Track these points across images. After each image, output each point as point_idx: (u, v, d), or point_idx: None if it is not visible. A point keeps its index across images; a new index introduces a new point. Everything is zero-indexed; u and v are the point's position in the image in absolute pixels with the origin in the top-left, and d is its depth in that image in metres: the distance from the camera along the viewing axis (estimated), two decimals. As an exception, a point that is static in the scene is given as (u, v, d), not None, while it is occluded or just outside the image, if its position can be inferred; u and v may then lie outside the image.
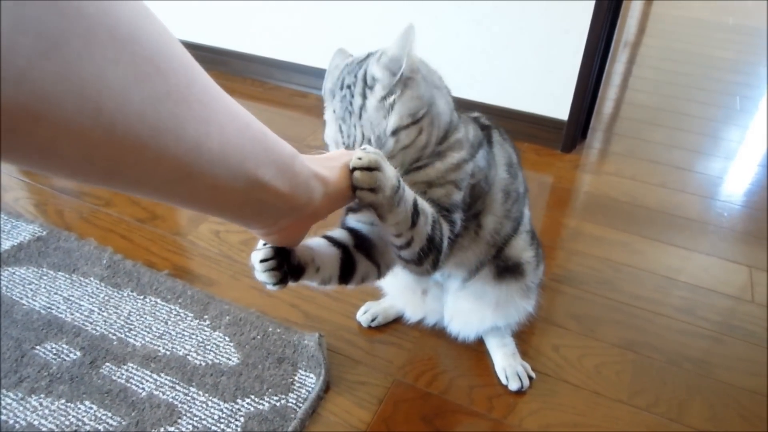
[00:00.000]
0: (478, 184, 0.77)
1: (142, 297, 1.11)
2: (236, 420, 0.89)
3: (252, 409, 0.90)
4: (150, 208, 1.40)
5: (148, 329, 1.04)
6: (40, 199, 1.42)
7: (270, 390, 0.93)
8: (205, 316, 1.07)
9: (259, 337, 1.03)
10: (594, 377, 1.01)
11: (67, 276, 1.15)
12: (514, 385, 0.96)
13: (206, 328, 1.05)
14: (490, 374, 1.00)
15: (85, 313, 1.07)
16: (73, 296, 1.10)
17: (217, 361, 0.98)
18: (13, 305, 1.07)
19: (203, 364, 0.98)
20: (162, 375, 0.95)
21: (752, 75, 2.77)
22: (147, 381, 0.94)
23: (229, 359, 0.99)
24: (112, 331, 1.03)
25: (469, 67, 1.82)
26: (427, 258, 0.70)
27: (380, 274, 0.79)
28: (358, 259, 0.76)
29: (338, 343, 1.05)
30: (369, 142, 0.69)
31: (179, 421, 0.88)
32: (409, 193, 0.63)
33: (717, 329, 1.13)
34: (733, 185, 1.72)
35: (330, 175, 0.55)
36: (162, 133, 0.35)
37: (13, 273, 1.15)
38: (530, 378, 0.98)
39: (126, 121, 0.32)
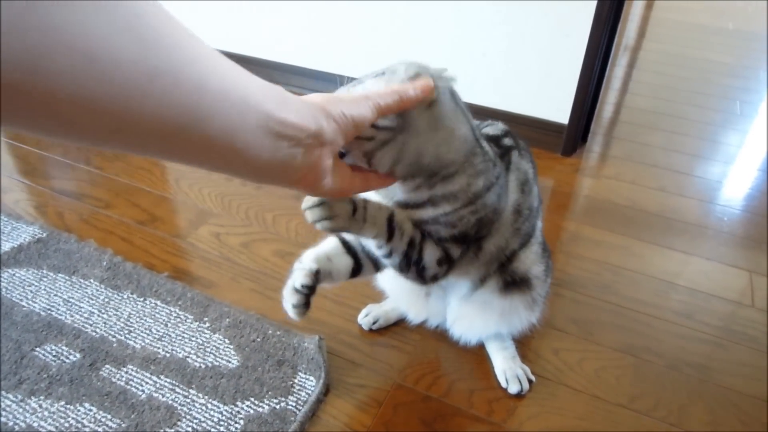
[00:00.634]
0: (485, 216, 0.77)
1: (142, 299, 1.11)
2: (236, 422, 0.88)
3: (252, 411, 0.90)
4: (150, 210, 1.40)
5: (147, 331, 1.04)
6: (40, 200, 1.42)
7: (270, 393, 0.93)
8: (205, 319, 1.07)
9: (259, 339, 1.03)
10: (594, 381, 1.01)
11: (67, 278, 1.15)
12: (514, 389, 0.96)
13: (206, 331, 1.05)
14: (490, 378, 1.00)
15: (85, 315, 1.06)
16: (73, 298, 1.10)
17: (217, 363, 0.98)
18: (13, 307, 1.07)
19: (203, 366, 0.98)
20: (162, 377, 0.95)
21: (752, 79, 2.77)
22: (147, 383, 0.94)
23: (229, 362, 0.99)
24: (112, 333, 1.03)
25: (470, 70, 1.82)
26: (410, 269, 0.76)
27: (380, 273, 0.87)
28: (364, 264, 0.85)
29: (338, 345, 1.05)
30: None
31: (179, 423, 0.88)
32: (380, 214, 0.70)
33: (717, 334, 1.13)
34: (733, 189, 1.72)
35: (320, 102, 0.53)
36: (160, 77, 0.35)
37: (13, 275, 1.15)
38: (530, 381, 0.98)
39: (121, 68, 0.32)
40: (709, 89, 2.55)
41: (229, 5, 2.14)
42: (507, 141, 0.84)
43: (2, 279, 1.14)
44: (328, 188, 0.56)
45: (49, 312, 1.07)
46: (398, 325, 1.09)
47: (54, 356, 0.98)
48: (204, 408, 0.91)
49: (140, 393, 0.92)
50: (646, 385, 1.01)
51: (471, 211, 0.74)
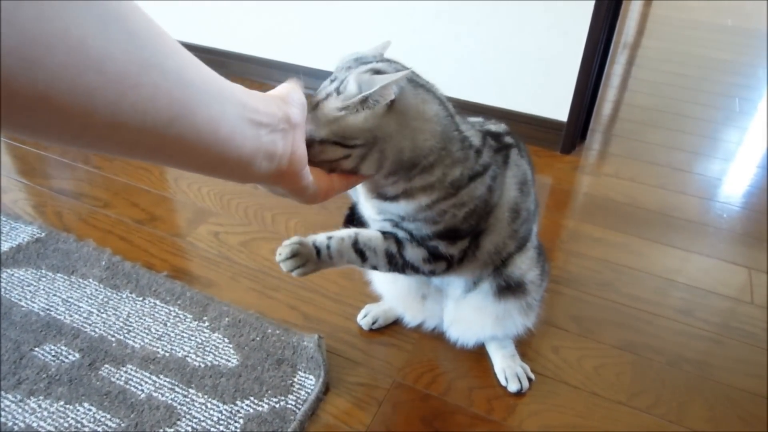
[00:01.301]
0: (476, 208, 0.76)
1: (141, 298, 1.11)
2: (235, 422, 0.88)
3: (251, 410, 0.90)
4: (149, 210, 1.40)
5: (147, 331, 1.04)
6: (39, 200, 1.42)
7: (269, 391, 0.93)
8: (205, 318, 1.07)
9: (258, 338, 1.03)
10: (593, 378, 1.01)
11: (65, 277, 1.15)
12: (513, 387, 0.96)
13: (205, 330, 1.05)
14: (489, 376, 1.00)
15: (84, 315, 1.06)
16: (71, 298, 1.10)
17: (217, 362, 0.98)
18: (12, 307, 1.07)
19: (202, 365, 0.98)
20: (161, 376, 0.95)
21: (751, 76, 2.77)
22: (146, 382, 0.94)
23: (229, 361, 0.99)
24: (111, 332, 1.03)
25: (468, 68, 1.82)
26: (405, 271, 0.80)
27: None
28: None
29: (338, 344, 1.05)
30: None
31: (178, 422, 0.88)
32: (344, 245, 0.76)
33: (716, 331, 1.13)
34: (733, 187, 1.72)
35: (271, 93, 0.55)
36: (149, 69, 0.35)
37: (12, 275, 1.15)
38: (530, 380, 0.98)
39: (114, 59, 0.33)
40: (708, 86, 2.55)
41: (227, 6, 2.13)
42: (508, 139, 0.84)
43: (1, 279, 1.13)
44: (312, 190, 0.59)
45: (48, 312, 1.07)
46: (397, 323, 1.09)
47: (53, 356, 0.98)
48: (203, 407, 0.90)
49: (140, 392, 0.92)
50: (645, 383, 1.01)
51: (454, 204, 0.73)
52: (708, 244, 1.41)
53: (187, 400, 0.92)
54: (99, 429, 0.87)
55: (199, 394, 0.92)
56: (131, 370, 0.96)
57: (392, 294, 1.01)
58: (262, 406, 0.91)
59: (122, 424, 0.87)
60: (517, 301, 0.90)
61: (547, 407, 0.96)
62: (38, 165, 1.58)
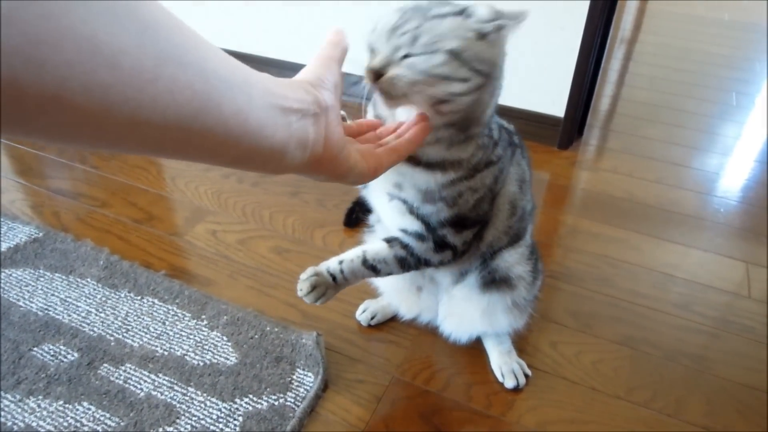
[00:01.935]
0: (483, 197, 0.76)
1: (139, 297, 1.11)
2: (235, 419, 0.89)
3: (250, 408, 0.90)
4: (146, 209, 1.40)
5: (145, 330, 1.04)
6: (37, 200, 1.42)
7: (268, 389, 0.93)
8: (203, 316, 1.07)
9: (257, 336, 1.03)
10: (591, 373, 1.01)
11: (64, 277, 1.15)
12: (510, 383, 0.97)
13: (204, 328, 1.05)
14: (488, 372, 1.00)
15: (83, 314, 1.06)
16: (70, 297, 1.10)
17: (215, 360, 0.98)
18: (10, 307, 1.07)
19: (201, 364, 0.98)
20: (160, 375, 0.95)
21: (748, 71, 2.77)
22: (145, 381, 0.94)
23: (227, 359, 0.99)
24: (110, 332, 1.03)
25: (465, 64, 1.81)
26: (419, 267, 0.82)
27: None
28: None
29: (336, 341, 1.05)
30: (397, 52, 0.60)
31: (178, 421, 0.88)
32: (355, 265, 0.79)
33: (714, 325, 1.13)
34: (730, 181, 1.72)
35: (296, 78, 0.52)
36: (166, 62, 0.34)
37: (10, 275, 1.15)
38: (526, 376, 0.98)
39: (127, 54, 0.32)
40: (705, 81, 2.55)
41: (225, 5, 2.13)
42: (516, 139, 0.85)
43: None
44: (358, 170, 0.55)
45: (46, 312, 1.07)
46: (395, 320, 1.09)
47: (52, 356, 0.98)
48: (203, 405, 0.91)
49: (139, 391, 0.92)
50: (643, 377, 1.01)
51: (469, 188, 0.73)
52: (706, 239, 1.41)
53: (186, 398, 0.92)
54: (98, 428, 0.87)
55: (198, 393, 0.93)
56: (130, 369, 0.96)
57: (389, 286, 1.01)
58: (261, 404, 0.91)
59: (121, 423, 0.87)
60: (502, 297, 0.90)
61: (545, 402, 0.96)
62: (35, 165, 1.58)
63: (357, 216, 1.34)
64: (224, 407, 0.90)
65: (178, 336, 1.03)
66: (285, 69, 2.14)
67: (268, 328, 1.04)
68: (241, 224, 1.36)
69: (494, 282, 0.89)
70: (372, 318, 1.08)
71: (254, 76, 0.43)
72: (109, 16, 0.31)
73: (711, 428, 0.93)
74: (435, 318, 1.01)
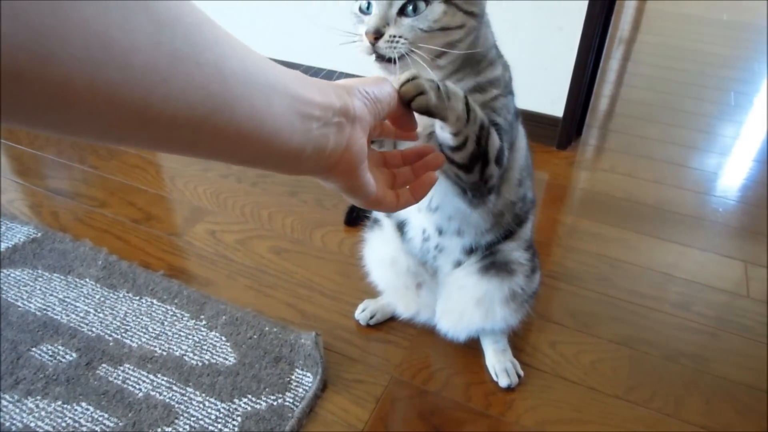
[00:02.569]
0: (511, 124, 0.77)
1: (138, 298, 1.11)
2: (233, 420, 0.89)
3: (249, 408, 0.90)
4: (145, 209, 1.40)
5: (144, 330, 1.04)
6: (35, 200, 1.42)
7: (267, 389, 0.93)
8: (202, 316, 1.07)
9: (255, 336, 1.03)
10: (590, 373, 1.01)
11: (62, 277, 1.15)
12: (503, 382, 0.97)
13: (203, 328, 1.05)
14: (486, 371, 1.00)
15: (81, 315, 1.06)
16: (68, 298, 1.10)
17: (214, 361, 0.98)
18: (9, 307, 1.07)
19: (200, 364, 0.98)
20: (159, 375, 0.95)
21: (746, 70, 2.78)
22: (144, 382, 0.94)
23: (226, 359, 0.99)
24: (108, 332, 1.03)
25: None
26: (476, 164, 0.70)
27: None
28: None
29: (335, 341, 1.05)
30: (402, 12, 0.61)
31: (176, 421, 0.88)
32: (456, 88, 0.63)
33: (713, 324, 1.13)
34: (729, 181, 1.73)
35: (337, 82, 0.51)
36: (181, 61, 0.33)
37: (8, 275, 1.15)
38: (519, 376, 0.98)
39: (139, 51, 0.31)
40: (703, 81, 2.55)
41: (224, 6, 2.13)
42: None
43: (-3, 279, 1.13)
44: (368, 186, 0.53)
45: (44, 312, 1.07)
46: (394, 320, 1.09)
47: (50, 356, 0.98)
48: (201, 406, 0.91)
49: (137, 392, 0.92)
50: (642, 377, 1.01)
51: (505, 106, 0.74)
52: (704, 239, 1.41)
53: (185, 398, 0.92)
54: (97, 428, 0.87)
55: (197, 393, 0.92)
56: (129, 369, 0.96)
57: (388, 282, 1.00)
58: (260, 404, 0.91)
59: (120, 424, 0.87)
60: (500, 284, 0.89)
61: (544, 402, 0.96)
62: (34, 165, 1.58)
63: (357, 215, 1.34)
64: (223, 407, 0.90)
65: (176, 336, 1.03)
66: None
67: (266, 328, 1.04)
68: (239, 224, 1.36)
69: (494, 266, 0.89)
70: (371, 317, 1.08)
71: (279, 77, 0.42)
72: (123, 13, 0.30)
73: (710, 428, 0.93)
74: (433, 317, 1.00)
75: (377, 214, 0.98)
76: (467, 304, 0.92)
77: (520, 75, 1.87)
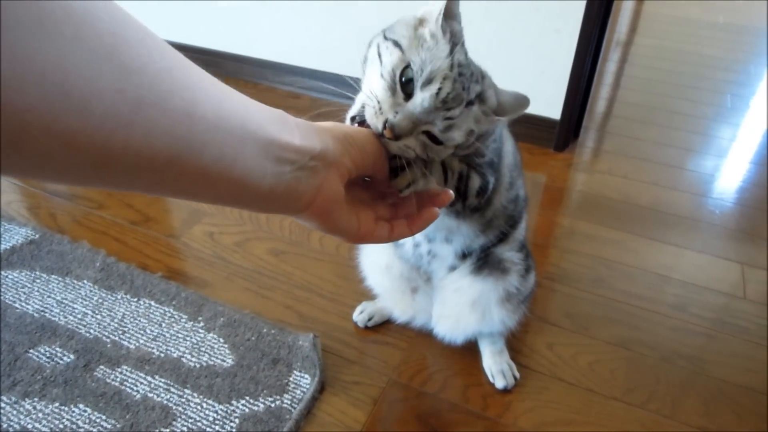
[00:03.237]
0: (497, 148, 0.77)
1: (135, 299, 1.11)
2: (231, 421, 0.88)
3: (247, 410, 0.90)
4: (143, 211, 1.40)
5: (142, 332, 1.04)
6: (33, 202, 1.42)
7: (265, 391, 0.93)
8: (200, 318, 1.07)
9: (253, 338, 1.03)
10: (588, 375, 1.01)
11: (60, 279, 1.15)
12: (500, 384, 0.97)
13: (200, 330, 1.05)
14: (484, 373, 1.00)
15: (79, 316, 1.06)
16: (66, 299, 1.10)
17: (212, 362, 0.98)
18: (7, 309, 1.07)
19: (198, 366, 0.98)
20: (156, 377, 0.95)
21: (743, 73, 2.79)
22: (141, 383, 0.94)
23: (224, 361, 0.99)
24: (106, 333, 1.03)
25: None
26: (456, 202, 0.73)
27: None
28: None
29: (333, 343, 1.05)
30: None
31: (174, 423, 0.88)
32: (436, 162, 0.63)
33: (710, 326, 1.14)
34: (725, 183, 1.73)
35: (324, 125, 0.50)
36: (145, 107, 0.32)
37: (6, 276, 1.14)
38: (516, 378, 0.98)
39: (101, 99, 0.30)
40: (700, 83, 2.56)
41: (221, 7, 2.13)
42: None
43: (-5, 281, 1.13)
44: (346, 226, 0.52)
45: (42, 314, 1.06)
46: (392, 322, 1.09)
47: (48, 358, 0.98)
48: (199, 407, 0.91)
49: (135, 393, 0.92)
50: (639, 378, 1.01)
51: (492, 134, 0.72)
52: (701, 240, 1.42)
53: (183, 400, 0.92)
54: (94, 430, 0.86)
55: (195, 395, 0.92)
56: (126, 371, 0.96)
57: (384, 287, 1.01)
58: (258, 406, 0.91)
59: (117, 425, 0.87)
60: (495, 285, 0.89)
61: (542, 404, 0.96)
62: (31, 167, 1.58)
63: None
64: (221, 409, 0.90)
65: (174, 338, 1.03)
66: (284, 72, 2.15)
67: (264, 330, 1.04)
68: (237, 226, 1.36)
69: (487, 265, 0.88)
70: (369, 319, 1.08)
71: (256, 120, 0.41)
72: (88, 59, 0.29)
73: (707, 429, 0.93)
74: (429, 321, 1.01)
75: None
76: (463, 307, 0.92)
77: (517, 77, 1.89)
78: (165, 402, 0.91)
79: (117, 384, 0.94)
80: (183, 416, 0.89)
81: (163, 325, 1.05)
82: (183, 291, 1.13)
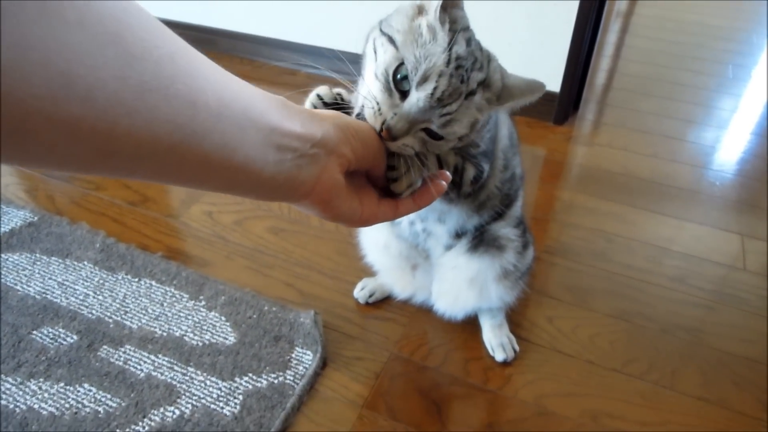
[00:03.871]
0: (492, 136, 0.75)
1: (136, 279, 1.11)
2: (235, 398, 0.89)
3: (250, 386, 0.91)
4: (141, 191, 1.39)
5: (144, 311, 1.04)
6: (31, 184, 1.41)
7: (267, 368, 0.94)
8: (201, 297, 1.07)
9: (255, 316, 1.03)
10: (588, 347, 1.02)
11: (60, 261, 1.15)
12: (499, 356, 0.98)
13: (202, 309, 1.05)
14: (484, 347, 1.01)
15: (81, 297, 1.07)
16: (67, 281, 1.10)
17: (214, 340, 0.99)
18: (8, 291, 1.07)
19: (200, 344, 0.98)
20: (159, 356, 0.96)
21: (744, 43, 2.75)
22: (145, 362, 0.95)
23: (226, 339, 0.99)
24: (108, 314, 1.04)
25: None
26: (451, 191, 0.73)
27: None
28: None
29: (334, 320, 1.05)
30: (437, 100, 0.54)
31: (178, 400, 0.89)
32: (431, 155, 0.63)
33: (709, 297, 1.14)
34: (726, 154, 1.72)
35: (326, 113, 0.50)
36: (148, 94, 0.32)
37: (7, 259, 1.15)
38: (515, 351, 0.99)
39: (105, 86, 0.30)
40: (701, 53, 2.53)
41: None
42: None
43: (-5, 264, 1.13)
44: (348, 213, 0.52)
45: (44, 295, 1.07)
46: (393, 298, 1.09)
47: (51, 339, 0.98)
48: (203, 385, 0.91)
49: (139, 372, 0.93)
50: (639, 350, 1.02)
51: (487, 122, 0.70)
52: (701, 212, 1.41)
53: (187, 378, 0.92)
54: (99, 409, 0.87)
55: (198, 372, 0.93)
56: (129, 350, 0.97)
57: (384, 264, 1.01)
58: (261, 382, 0.92)
59: (122, 404, 0.88)
60: (492, 262, 0.89)
61: (542, 376, 0.97)
62: (28, 148, 1.57)
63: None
64: (224, 386, 0.91)
65: (176, 317, 1.03)
66: (280, 48, 2.12)
67: (266, 308, 1.05)
68: (236, 204, 1.36)
69: (483, 243, 0.88)
70: (370, 296, 1.08)
71: (259, 108, 0.41)
72: (91, 47, 0.29)
73: (707, 399, 0.94)
74: (429, 297, 1.01)
75: None
76: (461, 285, 0.92)
77: (517, 50, 1.86)
78: (169, 380, 0.92)
79: (121, 363, 0.94)
80: (187, 393, 0.90)
81: (165, 304, 1.06)
82: (183, 270, 1.13)
